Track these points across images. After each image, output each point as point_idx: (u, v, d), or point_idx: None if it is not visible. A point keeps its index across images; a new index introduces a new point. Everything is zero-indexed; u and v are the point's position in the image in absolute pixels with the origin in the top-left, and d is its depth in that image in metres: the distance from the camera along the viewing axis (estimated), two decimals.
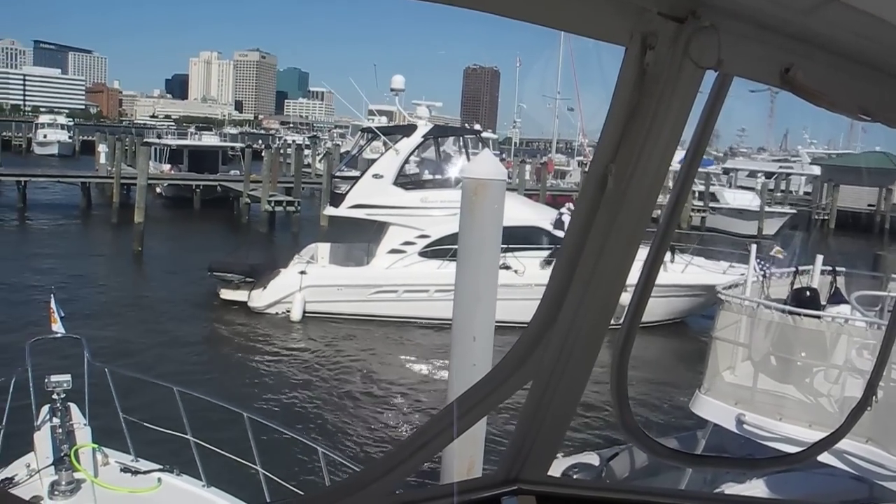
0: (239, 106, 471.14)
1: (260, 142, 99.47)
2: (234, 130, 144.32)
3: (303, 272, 24.40)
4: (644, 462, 10.84)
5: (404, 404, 17.69)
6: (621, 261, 1.68)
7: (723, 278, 21.47)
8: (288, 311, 24.25)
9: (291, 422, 15.27)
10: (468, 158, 27.83)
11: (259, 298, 24.50)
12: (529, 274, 22.37)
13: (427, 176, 27.65)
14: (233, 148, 65.11)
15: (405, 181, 26.18)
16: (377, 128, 29.41)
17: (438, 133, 27.95)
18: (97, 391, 8.19)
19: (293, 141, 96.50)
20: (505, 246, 21.44)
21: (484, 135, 73.38)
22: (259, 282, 24.64)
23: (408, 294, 24.16)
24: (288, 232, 41.48)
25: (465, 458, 7.96)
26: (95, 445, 7.14)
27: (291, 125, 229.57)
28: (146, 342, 20.53)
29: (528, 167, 63.47)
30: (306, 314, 24.20)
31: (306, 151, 73.41)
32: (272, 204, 44.03)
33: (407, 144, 26.27)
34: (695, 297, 23.48)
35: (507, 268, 22.05)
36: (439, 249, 24.05)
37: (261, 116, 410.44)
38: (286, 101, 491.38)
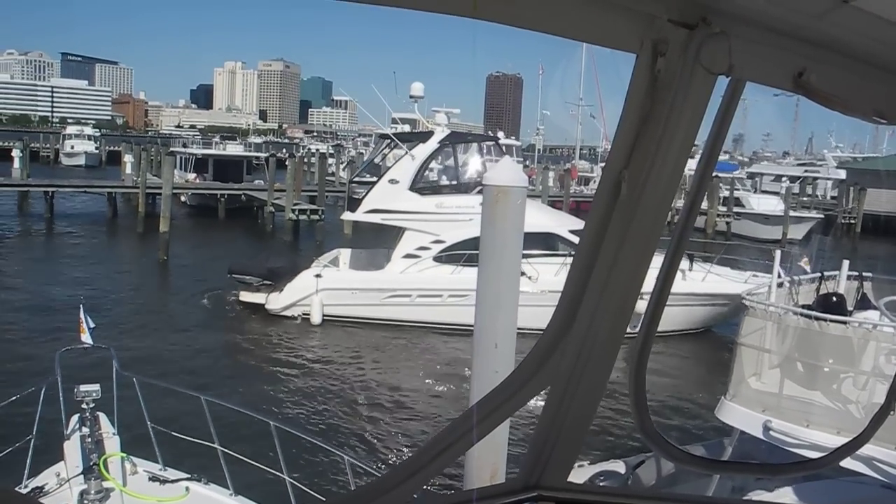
0: (263, 115, 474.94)
1: (284, 151, 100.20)
2: (258, 140, 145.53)
3: (318, 275, 24.65)
4: (671, 470, 10.75)
5: (424, 411, 17.68)
6: (636, 267, 1.69)
7: (745, 287, 21.26)
8: (304, 315, 24.55)
9: (314, 428, 15.37)
10: (484, 165, 28.23)
11: (276, 301, 24.83)
12: (543, 280, 22.39)
13: (443, 181, 27.79)
14: (257, 157, 65.47)
15: (421, 187, 26.31)
16: (394, 134, 29.62)
17: (455, 139, 28.08)
18: (126, 401, 8.30)
19: (317, 150, 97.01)
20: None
21: (507, 142, 73.23)
22: (277, 285, 24.94)
23: (421, 299, 24.34)
24: (312, 240, 41.68)
25: (487, 464, 7.96)
26: (124, 454, 7.23)
27: (315, 134, 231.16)
28: (173, 351, 20.71)
29: (551, 174, 63.37)
30: (325, 317, 24.43)
31: (330, 160, 73.75)
32: (296, 212, 44.27)
33: (423, 150, 26.42)
34: (716, 306, 23.09)
35: (522, 274, 21.94)
36: (454, 255, 24.21)
37: (285, 126, 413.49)
38: (310, 109, 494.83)
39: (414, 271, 24.70)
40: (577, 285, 1.72)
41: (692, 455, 2.29)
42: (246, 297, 25.51)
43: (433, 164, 27.88)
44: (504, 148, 66.36)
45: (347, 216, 28.04)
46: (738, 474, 9.42)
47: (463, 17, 1.28)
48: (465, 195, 25.67)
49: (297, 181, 47.65)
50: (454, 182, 27.69)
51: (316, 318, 24.32)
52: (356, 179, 30.93)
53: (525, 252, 20.62)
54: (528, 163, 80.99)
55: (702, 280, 22.99)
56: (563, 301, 1.77)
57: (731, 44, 1.40)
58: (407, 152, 26.41)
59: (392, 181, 25.70)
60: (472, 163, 30.21)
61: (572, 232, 25.05)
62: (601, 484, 10.23)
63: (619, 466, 11.04)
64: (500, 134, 77.08)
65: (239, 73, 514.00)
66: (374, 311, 24.34)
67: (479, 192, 25.36)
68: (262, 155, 65.88)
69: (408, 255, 24.99)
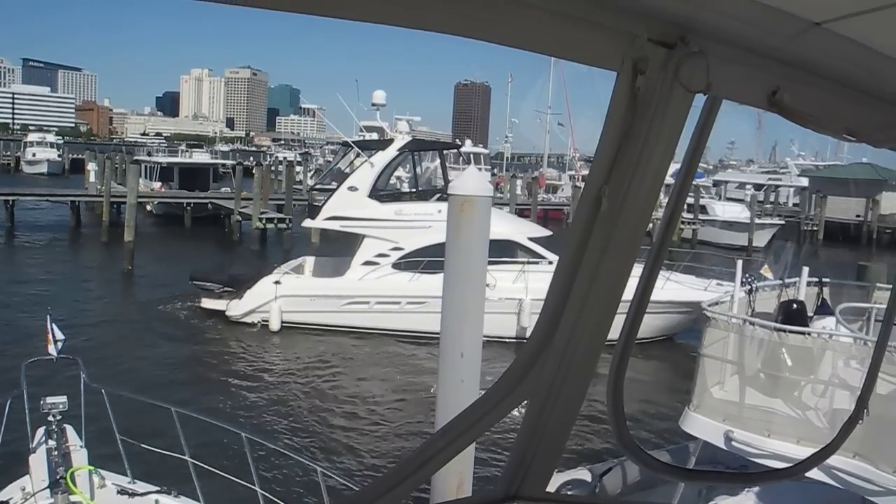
0: (230, 123, 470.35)
1: (251, 159, 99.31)
2: (225, 148, 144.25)
3: (277, 282, 24.73)
4: (637, 477, 10.88)
5: (387, 419, 17.68)
6: (617, 280, 1.71)
7: (704, 295, 21.35)
8: (264, 321, 24.60)
9: (279, 436, 15.26)
10: (445, 172, 28.61)
11: (236, 307, 24.96)
12: (501, 288, 22.42)
13: (403, 189, 27.99)
14: (224, 165, 64.79)
15: (381, 194, 26.46)
16: (354, 142, 29.90)
17: (414, 147, 28.22)
18: (93, 413, 8.22)
19: (284, 158, 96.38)
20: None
21: (475, 150, 73.50)
22: (238, 291, 25.07)
23: (380, 305, 24.42)
24: (280, 249, 41.43)
25: (454, 475, 7.99)
26: (92, 468, 7.16)
27: (283, 142, 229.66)
28: (140, 361, 20.47)
29: (519, 182, 63.68)
30: (283, 324, 24.55)
31: (298, 168, 73.33)
32: (263, 221, 43.98)
33: (382, 158, 26.65)
34: (677, 314, 22.91)
35: None
36: (413, 262, 24.34)
37: (252, 133, 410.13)
38: (278, 117, 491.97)
39: (372, 278, 24.84)
40: (559, 298, 1.74)
41: (666, 464, 2.32)
42: (208, 303, 25.62)
43: (393, 172, 28.16)
44: (471, 156, 66.94)
45: (308, 223, 28.34)
46: (711, 483, 9.53)
47: (445, 33, 1.29)
48: (424, 202, 26.05)
49: (264, 189, 47.35)
50: (413, 189, 27.93)
51: (275, 325, 24.47)
52: (318, 187, 30.94)
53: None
54: (496, 171, 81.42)
55: (661, 288, 23.01)
56: (544, 314, 1.78)
57: (708, 63, 1.44)
58: (366, 160, 26.63)
59: (351, 188, 25.90)
60: (432, 170, 30.34)
61: (531, 239, 25.18)
62: (570, 492, 10.32)
63: (585, 474, 11.13)
64: (469, 142, 77.47)
65: (206, 80, 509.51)
66: (333, 318, 24.49)
67: (439, 199, 25.94)
68: (229, 163, 65.32)
69: (367, 262, 25.15)
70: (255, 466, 7.68)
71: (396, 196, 26.90)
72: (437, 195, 26.31)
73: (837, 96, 1.66)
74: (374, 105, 30.56)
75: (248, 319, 24.86)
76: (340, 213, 25.57)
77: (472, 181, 9.36)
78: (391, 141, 27.59)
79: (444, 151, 30.68)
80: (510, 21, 1.31)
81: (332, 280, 25.45)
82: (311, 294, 24.75)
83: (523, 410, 1.94)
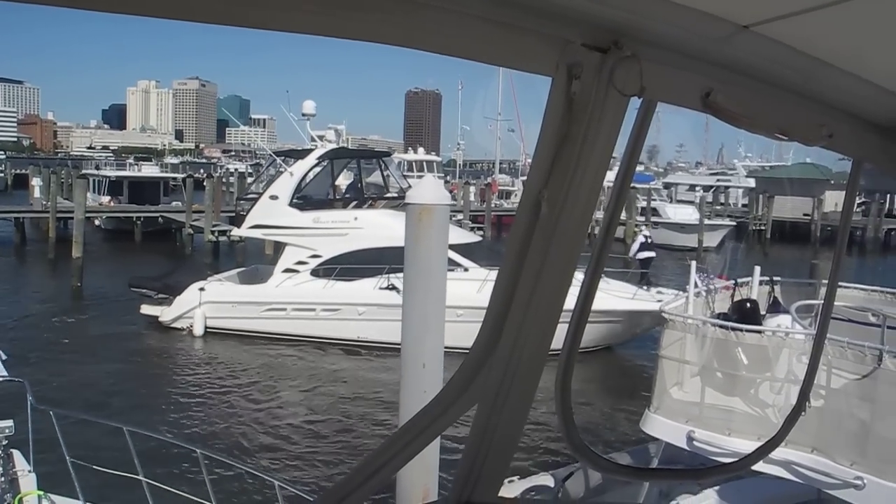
0: (179, 135, 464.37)
1: (202, 171, 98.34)
2: (174, 160, 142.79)
3: (202, 289, 25.45)
4: (599, 480, 10.92)
5: (321, 427, 17.71)
6: (559, 283, 1.72)
7: (631, 304, 21.45)
8: (192, 327, 25.29)
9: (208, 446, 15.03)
10: (361, 180, 29.62)
11: (167, 313, 25.76)
12: None
13: (320, 197, 28.28)
14: (174, 178, 64.00)
15: (299, 202, 26.89)
16: (276, 152, 30.72)
17: (334, 155, 28.72)
18: (42, 435, 7.98)
19: (236, 169, 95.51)
20: (392, 266, 22.09)
21: (427, 157, 73.66)
22: (171, 298, 25.88)
23: (296, 312, 24.88)
24: (233, 261, 40.72)
25: (418, 484, 7.94)
26: (41, 492, 6.97)
27: (234, 153, 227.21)
28: (88, 378, 19.99)
29: (472, 188, 63.96)
30: (208, 329, 25.19)
31: (249, 179, 72.65)
32: (216, 234, 43.39)
33: (301, 166, 27.26)
34: (608, 323, 21.56)
35: (392, 288, 22.70)
36: (330, 269, 24.88)
37: (202, 145, 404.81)
38: (227, 128, 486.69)
39: (290, 285, 25.34)
40: (502, 303, 1.74)
41: (619, 464, 2.34)
42: (146, 309, 26.29)
43: (309, 180, 28.43)
44: (423, 164, 67.04)
45: (234, 232, 29.46)
46: (663, 480, 9.63)
47: (385, 44, 1.28)
48: (341, 210, 26.57)
49: (215, 202, 46.74)
50: (330, 197, 28.39)
51: (198, 330, 25.13)
52: (245, 196, 31.31)
53: (399, 266, 21.61)
54: (448, 178, 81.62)
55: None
56: (488, 318, 1.78)
57: (641, 67, 1.45)
58: (286, 169, 27.19)
59: (273, 197, 26.43)
60: (350, 178, 30.96)
61: (452, 246, 24.99)
62: (534, 498, 10.32)
63: (548, 480, 11.14)
64: (421, 150, 77.71)
65: (153, 92, 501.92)
66: (254, 324, 24.98)
67: (356, 206, 26.84)
68: (180, 176, 64.48)
69: (287, 270, 25.69)
70: (212, 483, 7.53)
71: (315, 204, 27.28)
72: (355, 202, 27.23)
73: (769, 97, 1.70)
74: (304, 115, 30.95)
75: (177, 325, 25.63)
76: (263, 221, 26.31)
77: (429, 190, 9.34)
78: (312, 150, 28.36)
79: (385, 159, 30.97)
80: (443, 30, 1.31)
81: (253, 287, 26.13)
82: (233, 301, 25.42)
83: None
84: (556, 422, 1.97)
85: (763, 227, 61.26)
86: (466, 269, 22.87)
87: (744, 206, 71.04)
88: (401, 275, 21.78)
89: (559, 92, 1.48)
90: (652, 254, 30.47)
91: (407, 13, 1.24)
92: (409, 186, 26.87)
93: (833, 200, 59.72)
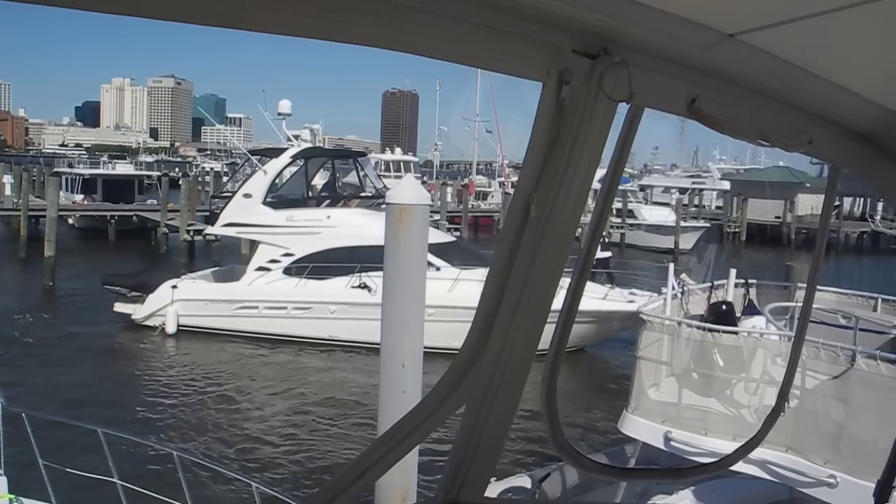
0: (154, 133, 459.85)
1: (177, 170, 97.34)
2: (149, 158, 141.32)
3: (174, 286, 25.56)
4: (576, 480, 10.98)
5: (298, 426, 17.74)
6: (547, 285, 1.74)
7: (604, 304, 21.49)
8: (164, 325, 25.32)
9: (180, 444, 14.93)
10: (335, 180, 29.88)
11: (140, 311, 25.79)
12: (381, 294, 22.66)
13: (293, 196, 28.43)
14: (149, 177, 63.39)
15: (273, 201, 27.03)
16: (249, 151, 31.01)
17: (308, 154, 28.91)
18: (13, 438, 7.86)
19: (211, 168, 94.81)
20: (364, 265, 22.26)
21: (404, 158, 73.70)
22: (144, 296, 25.92)
23: (268, 311, 25.03)
24: (209, 261, 40.49)
25: (398, 486, 7.93)
26: (12, 496, 6.88)
27: (209, 152, 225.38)
28: (61, 379, 19.80)
29: (449, 189, 64.01)
30: (180, 327, 25.29)
31: (225, 178, 72.18)
32: (191, 233, 43.11)
33: (275, 165, 27.43)
34: (577, 323, 21.99)
35: (364, 287, 22.82)
36: (302, 267, 25.01)
37: (177, 144, 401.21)
38: (203, 127, 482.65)
39: (262, 283, 25.48)
40: (491, 304, 1.75)
41: (604, 465, 2.36)
42: (119, 308, 26.37)
43: (285, 179, 28.86)
44: (401, 164, 66.99)
45: (208, 230, 29.65)
46: (643, 480, 9.70)
47: (372, 47, 1.29)
48: (314, 209, 26.73)
49: (191, 201, 46.47)
50: (303, 196, 28.49)
51: (170, 328, 25.25)
52: (220, 195, 31.38)
53: (368, 265, 21.64)
54: (426, 179, 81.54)
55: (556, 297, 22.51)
56: (477, 320, 1.79)
57: (630, 73, 1.48)
58: (260, 168, 27.32)
59: (246, 195, 26.63)
60: (322, 177, 31.07)
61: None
62: (512, 498, 10.35)
63: (525, 481, 11.17)
64: (398, 150, 77.61)
65: (127, 89, 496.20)
66: (226, 323, 25.11)
67: (329, 205, 26.95)
68: (154, 174, 63.86)
69: (260, 268, 25.86)
70: (187, 484, 7.47)
71: (288, 202, 27.41)
72: (327, 201, 27.40)
73: (752, 103, 1.73)
74: (279, 115, 31.24)
75: (149, 323, 25.62)
76: (236, 219, 26.48)
77: (409, 190, 9.34)
78: (286, 149, 28.55)
79: (361, 159, 31.09)
80: (435, 34, 1.32)
81: (225, 285, 26.24)
82: (205, 299, 25.51)
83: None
84: (532, 423, 1.99)
85: (737, 230, 61.91)
86: (438, 269, 22.86)
87: (718, 208, 71.73)
88: (372, 273, 22.46)
89: (549, 97, 1.50)
90: (608, 253, 30.80)
91: (399, 17, 1.25)
92: (385, 186, 27.11)
93: (807, 203, 60.49)
